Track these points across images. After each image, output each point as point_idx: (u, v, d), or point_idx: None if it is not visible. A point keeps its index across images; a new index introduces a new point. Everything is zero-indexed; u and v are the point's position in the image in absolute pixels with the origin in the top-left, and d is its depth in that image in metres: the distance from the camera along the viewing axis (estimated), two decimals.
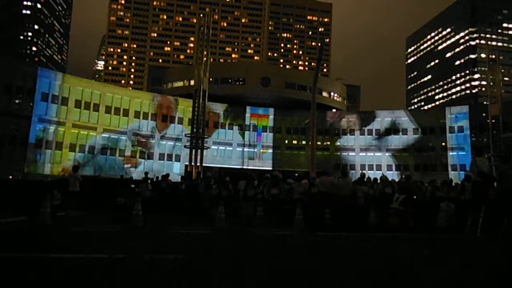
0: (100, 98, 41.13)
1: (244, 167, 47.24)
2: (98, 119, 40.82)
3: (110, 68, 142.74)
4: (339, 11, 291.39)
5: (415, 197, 11.75)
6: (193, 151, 33.05)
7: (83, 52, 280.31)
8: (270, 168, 43.79)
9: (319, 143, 46.46)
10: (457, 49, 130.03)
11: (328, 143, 50.77)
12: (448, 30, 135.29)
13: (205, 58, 33.69)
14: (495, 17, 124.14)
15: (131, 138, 42.87)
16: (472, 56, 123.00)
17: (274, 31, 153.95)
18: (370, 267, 5.67)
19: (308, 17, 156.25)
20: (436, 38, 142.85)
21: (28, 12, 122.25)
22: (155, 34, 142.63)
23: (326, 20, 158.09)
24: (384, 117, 50.38)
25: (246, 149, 49.92)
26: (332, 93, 58.61)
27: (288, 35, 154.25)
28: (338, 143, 51.12)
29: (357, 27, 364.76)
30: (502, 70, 63.02)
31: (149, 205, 12.35)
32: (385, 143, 49.60)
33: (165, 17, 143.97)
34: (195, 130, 33.28)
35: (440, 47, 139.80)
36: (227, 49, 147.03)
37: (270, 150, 50.68)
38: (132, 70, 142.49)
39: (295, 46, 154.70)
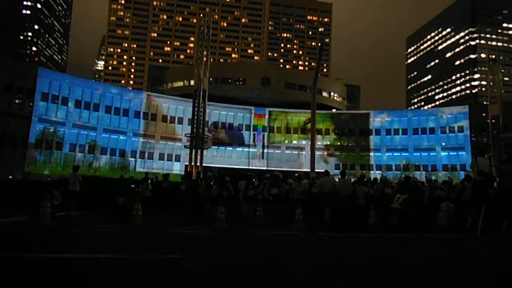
0: None
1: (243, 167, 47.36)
2: None
3: (110, 68, 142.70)
4: (339, 11, 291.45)
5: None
6: (193, 151, 33.05)
7: (83, 52, 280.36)
8: (275, 168, 44.14)
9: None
10: (457, 49, 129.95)
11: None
12: (448, 30, 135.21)
13: (205, 58, 33.67)
14: (495, 17, 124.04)
15: None
16: (472, 56, 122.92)
17: (274, 31, 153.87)
18: (371, 267, 5.67)
19: (308, 17, 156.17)
20: (436, 38, 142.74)
21: (28, 12, 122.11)
22: (155, 34, 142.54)
23: (326, 20, 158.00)
24: None
25: (246, 149, 49.95)
26: (332, 93, 58.65)
27: (288, 35, 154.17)
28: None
29: (357, 27, 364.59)
30: (502, 70, 62.97)
31: (149, 205, 12.35)
32: None
33: (165, 17, 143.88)
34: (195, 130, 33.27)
35: (440, 47, 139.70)
36: (227, 49, 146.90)
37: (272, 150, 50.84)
38: (132, 70, 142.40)
39: (295, 46, 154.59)
